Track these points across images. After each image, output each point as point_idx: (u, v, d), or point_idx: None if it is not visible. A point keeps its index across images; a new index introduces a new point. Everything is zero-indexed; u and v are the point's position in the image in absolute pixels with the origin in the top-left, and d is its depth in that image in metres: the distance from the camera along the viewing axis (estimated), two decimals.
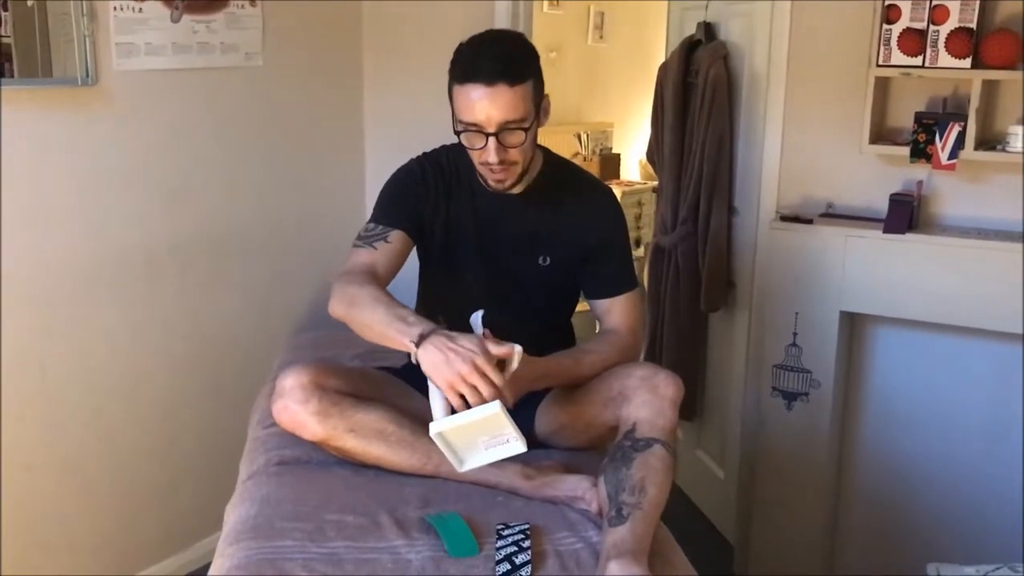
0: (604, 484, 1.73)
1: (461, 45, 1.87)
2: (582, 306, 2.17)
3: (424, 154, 2.08)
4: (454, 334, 1.67)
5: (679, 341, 3.16)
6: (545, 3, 5.61)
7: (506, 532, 1.70)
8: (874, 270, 2.54)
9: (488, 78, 1.79)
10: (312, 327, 3.09)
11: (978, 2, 2.33)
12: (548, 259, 2.03)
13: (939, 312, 2.51)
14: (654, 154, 3.34)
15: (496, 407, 1.61)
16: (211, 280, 2.88)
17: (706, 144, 2.91)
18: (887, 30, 2.42)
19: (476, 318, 1.78)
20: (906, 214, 2.51)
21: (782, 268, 2.68)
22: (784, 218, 2.69)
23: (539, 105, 1.90)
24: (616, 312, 2.04)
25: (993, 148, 2.42)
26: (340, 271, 1.91)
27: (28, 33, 2.33)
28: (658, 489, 1.70)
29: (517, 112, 1.82)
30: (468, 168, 2.01)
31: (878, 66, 2.46)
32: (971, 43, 2.34)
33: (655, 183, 3.61)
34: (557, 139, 5.81)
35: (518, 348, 1.70)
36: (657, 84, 3.23)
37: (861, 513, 2.86)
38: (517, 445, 1.67)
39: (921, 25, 2.39)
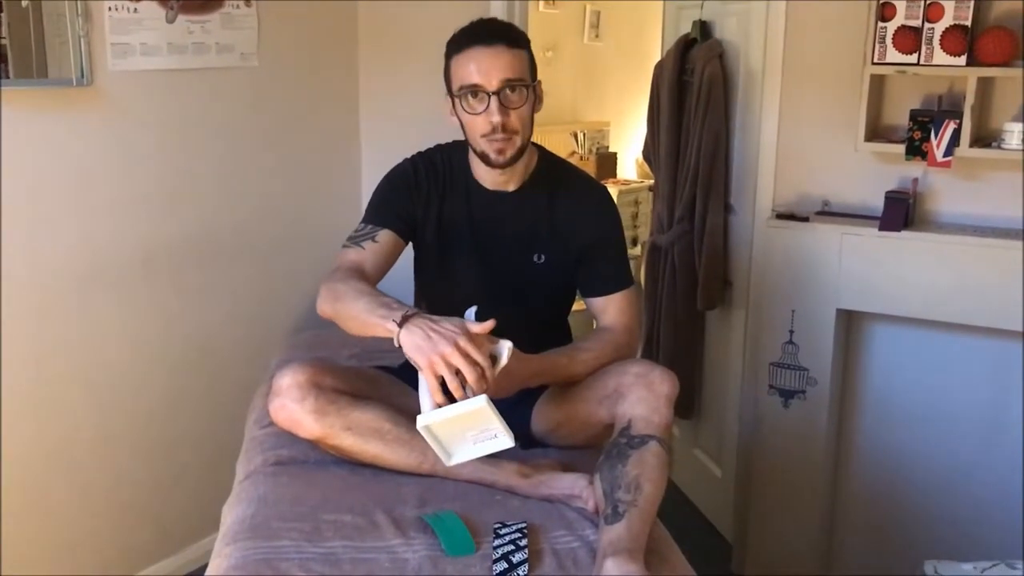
0: (600, 482, 1.73)
1: (454, 32, 1.93)
2: (579, 304, 2.17)
3: (418, 153, 2.08)
4: (437, 317, 1.66)
5: (676, 340, 3.16)
6: (541, 2, 5.61)
7: (503, 531, 1.70)
8: (870, 268, 2.55)
9: (487, 39, 1.87)
10: (309, 327, 3.08)
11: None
12: (543, 257, 2.03)
13: (935, 309, 2.51)
14: (650, 153, 3.34)
15: (482, 401, 1.61)
16: (207, 280, 2.87)
17: (702, 142, 2.91)
18: (882, 28, 2.43)
19: (470, 314, 1.78)
20: (902, 212, 2.51)
21: (778, 266, 2.68)
22: (780, 216, 2.69)
23: (535, 77, 1.94)
24: (612, 310, 2.04)
25: (988, 145, 2.42)
26: (328, 271, 1.92)
27: (23, 34, 2.33)
28: (654, 486, 1.70)
29: (516, 71, 1.87)
30: (462, 166, 2.02)
31: (873, 64, 2.46)
32: (966, 40, 2.34)
33: (651, 182, 3.61)
34: (553, 138, 5.81)
35: (508, 343, 1.70)
36: (653, 83, 3.23)
37: (859, 510, 2.86)
38: (505, 440, 1.66)
39: (916, 23, 2.39)
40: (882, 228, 2.52)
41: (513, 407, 2.02)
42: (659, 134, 3.17)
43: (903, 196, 2.54)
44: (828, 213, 2.69)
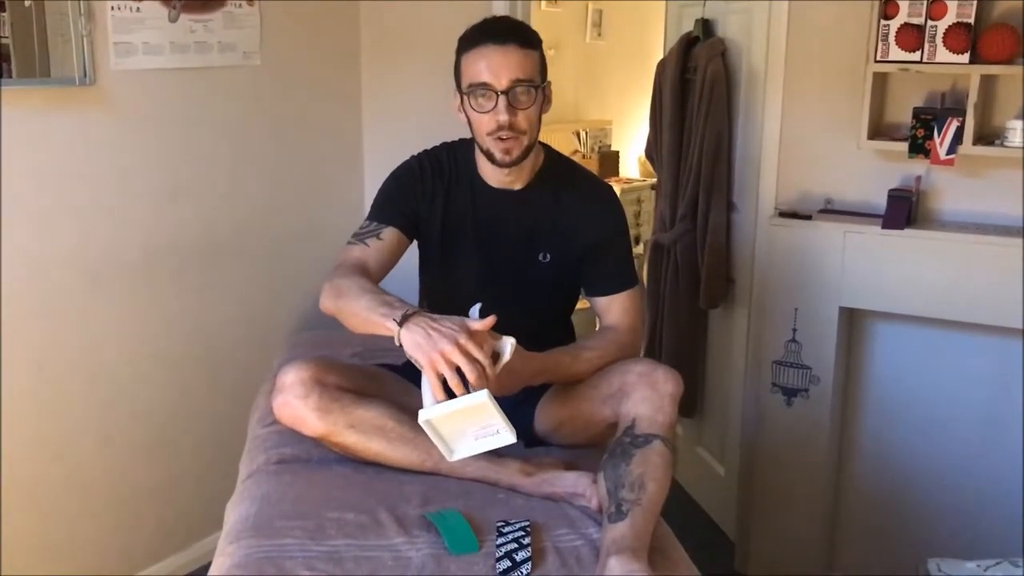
0: (604, 480, 1.73)
1: (466, 29, 1.93)
2: (582, 303, 2.17)
3: (424, 151, 2.08)
4: (438, 316, 1.66)
5: (679, 338, 3.16)
6: (543, 1, 5.61)
7: (506, 529, 1.70)
8: (873, 266, 2.55)
9: (499, 38, 1.86)
10: (311, 326, 3.08)
11: None
12: (548, 256, 2.03)
13: (938, 307, 2.51)
14: (653, 151, 3.34)
15: (484, 396, 1.61)
16: (210, 279, 2.88)
17: (704, 141, 2.91)
18: (885, 26, 2.42)
19: (474, 311, 1.79)
20: (904, 209, 2.51)
21: (781, 264, 2.68)
22: (783, 214, 2.69)
23: (544, 78, 1.94)
24: (616, 309, 2.04)
25: (991, 143, 2.42)
26: (332, 267, 1.92)
27: (26, 33, 2.33)
28: (657, 485, 1.70)
29: (526, 71, 1.87)
30: (468, 164, 2.01)
31: (876, 62, 2.46)
32: (969, 38, 2.34)
33: (654, 180, 3.61)
34: (556, 137, 5.81)
35: (511, 340, 1.71)
36: (655, 81, 3.23)
37: (861, 509, 2.86)
38: (507, 436, 1.66)
39: (919, 20, 2.38)
40: (885, 226, 2.51)
41: (516, 406, 2.02)
42: (661, 132, 3.17)
43: (906, 194, 2.54)
44: (831, 211, 2.68)
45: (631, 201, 5.98)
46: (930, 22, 2.37)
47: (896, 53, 2.43)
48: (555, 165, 2.07)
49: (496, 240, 2.04)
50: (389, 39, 3.26)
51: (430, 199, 2.02)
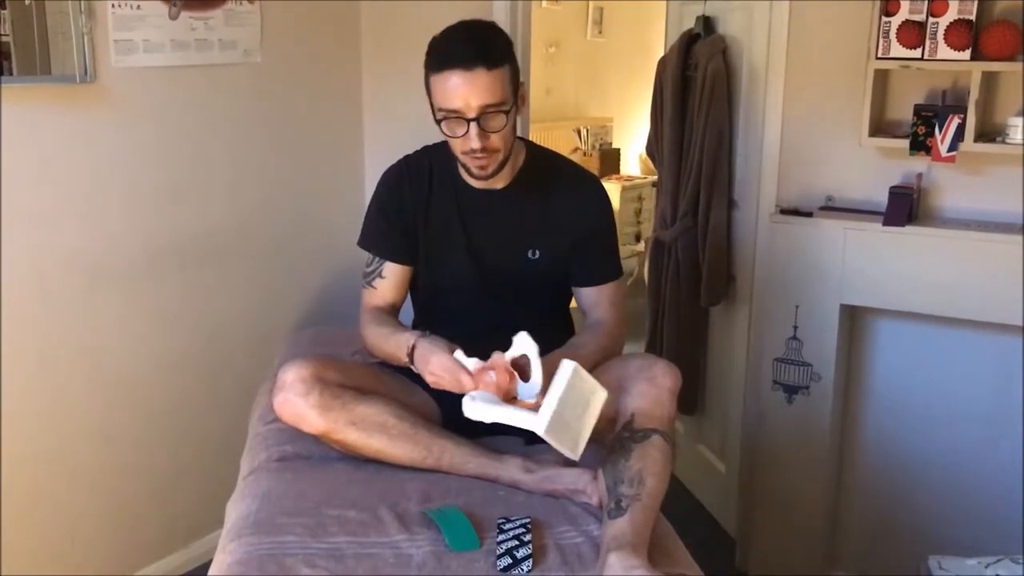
0: (603, 476, 1.74)
1: (434, 37, 1.89)
2: None
3: (404, 158, 2.08)
4: (428, 351, 1.81)
5: (679, 335, 3.16)
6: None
7: (507, 526, 1.70)
8: (874, 263, 2.54)
9: (465, 63, 1.80)
10: (313, 323, 3.09)
11: None
12: (538, 252, 2.03)
13: (939, 305, 2.51)
14: (654, 148, 3.33)
15: (570, 367, 1.65)
16: (211, 276, 2.88)
17: (705, 138, 2.91)
18: (886, 22, 2.42)
19: (459, 355, 1.77)
20: (906, 207, 2.51)
21: (782, 262, 2.68)
22: (784, 211, 2.69)
23: (516, 91, 1.90)
24: (605, 302, 2.05)
25: (993, 140, 2.42)
26: (360, 318, 2.09)
27: (26, 31, 2.33)
28: (657, 480, 1.70)
29: (496, 96, 1.82)
30: (450, 167, 2.01)
31: (877, 59, 2.46)
32: (970, 35, 2.33)
33: (655, 177, 3.61)
34: (557, 134, 5.82)
35: (520, 335, 1.73)
36: (656, 78, 3.23)
37: (862, 506, 2.86)
38: (600, 394, 1.69)
39: (920, 17, 2.38)
40: (886, 223, 2.51)
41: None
42: (662, 130, 3.17)
43: (907, 191, 2.54)
44: (832, 208, 2.68)
45: (632, 198, 5.99)
46: (931, 19, 2.37)
47: (897, 50, 2.42)
48: (538, 160, 2.06)
49: (484, 241, 2.03)
50: (390, 37, 3.26)
51: (413, 207, 2.03)
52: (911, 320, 2.66)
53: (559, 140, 5.81)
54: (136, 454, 2.75)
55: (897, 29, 2.41)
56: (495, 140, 1.87)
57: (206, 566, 1.81)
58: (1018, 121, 2.35)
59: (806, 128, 2.71)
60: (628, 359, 1.89)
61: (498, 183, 1.99)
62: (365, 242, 2.09)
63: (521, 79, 1.94)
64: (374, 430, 1.85)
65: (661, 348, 3.23)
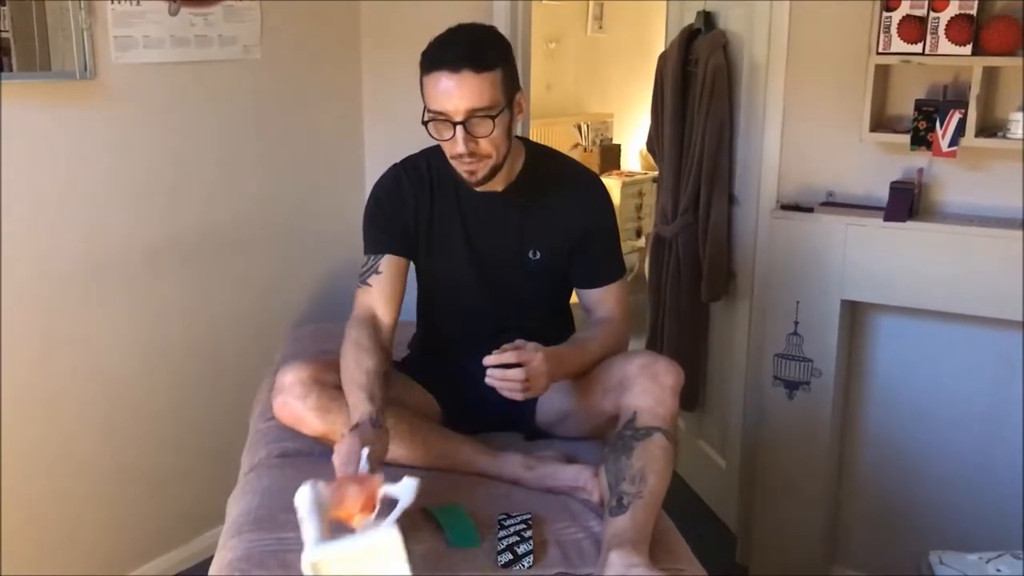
0: (605, 474, 1.74)
1: (431, 40, 1.86)
2: (573, 297, 2.17)
3: (401, 162, 2.05)
4: (347, 442, 1.61)
5: (680, 331, 3.16)
6: None
7: (508, 522, 1.70)
8: (875, 258, 2.54)
9: (453, 65, 1.77)
10: (312, 319, 3.09)
11: None
12: (539, 253, 2.02)
13: (940, 300, 2.51)
14: (654, 144, 3.33)
15: (393, 534, 1.39)
16: (211, 273, 2.88)
17: (706, 134, 2.90)
18: (887, 17, 2.42)
19: (364, 452, 1.59)
20: (906, 202, 2.51)
21: (783, 257, 2.68)
22: (784, 207, 2.69)
23: (511, 97, 1.86)
24: (610, 301, 2.04)
25: (994, 135, 2.41)
26: (348, 327, 1.92)
27: (26, 27, 2.33)
28: (659, 478, 1.70)
29: (483, 99, 1.79)
30: (449, 170, 1.98)
31: (878, 54, 2.45)
32: (971, 30, 2.33)
33: (655, 173, 3.61)
34: (557, 130, 5.81)
35: (413, 482, 1.51)
36: (657, 74, 3.23)
37: (863, 501, 2.86)
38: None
39: (921, 12, 2.38)
40: (887, 219, 2.51)
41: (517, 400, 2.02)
42: (663, 125, 3.17)
43: (908, 186, 2.54)
44: (833, 204, 2.68)
45: (632, 194, 5.98)
46: (932, 14, 2.36)
47: (898, 45, 2.42)
48: (537, 160, 2.03)
49: (486, 243, 2.02)
50: (390, 34, 3.26)
51: (414, 210, 2.00)
52: (912, 316, 2.65)
53: (559, 136, 5.81)
54: (137, 451, 2.75)
55: (898, 24, 2.40)
56: (483, 145, 1.83)
57: (207, 563, 1.81)
58: (1019, 116, 2.35)
59: (807, 123, 2.71)
60: (630, 357, 1.88)
61: (498, 185, 1.97)
62: (365, 246, 2.03)
63: (520, 86, 1.90)
64: None
65: (662, 344, 3.23)
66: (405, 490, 1.48)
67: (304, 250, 3.17)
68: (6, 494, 2.43)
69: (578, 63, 6.08)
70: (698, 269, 3.03)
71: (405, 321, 2.06)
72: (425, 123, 1.85)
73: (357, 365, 1.79)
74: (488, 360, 1.73)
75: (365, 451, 1.58)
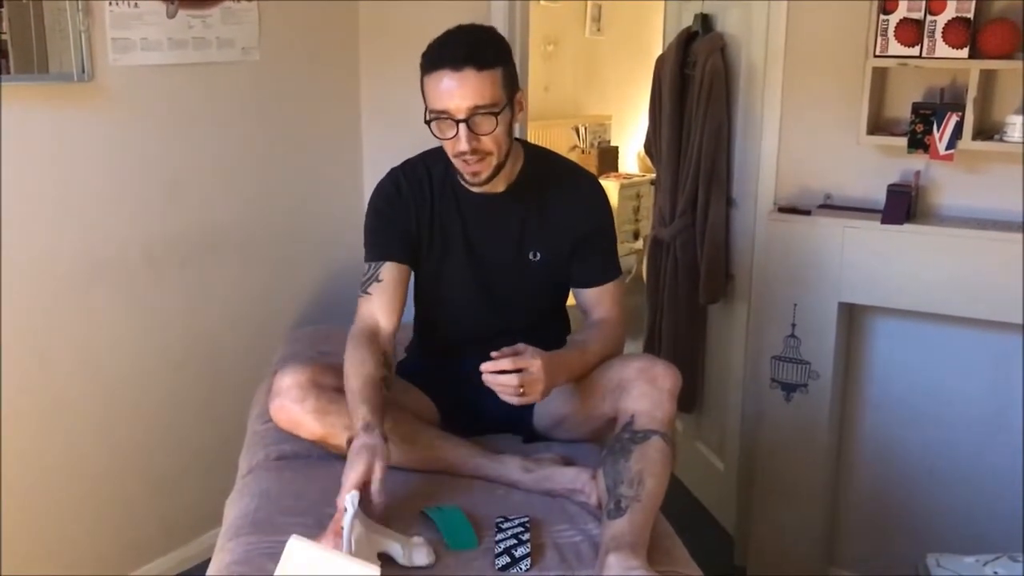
0: (603, 477, 1.74)
1: (430, 42, 1.86)
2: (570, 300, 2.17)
3: (399, 166, 2.05)
4: (354, 454, 1.63)
5: (678, 333, 3.16)
6: None
7: (505, 525, 1.70)
8: (872, 261, 2.54)
9: (454, 63, 1.79)
10: (311, 321, 3.09)
11: None
12: (538, 254, 2.02)
13: (938, 302, 2.51)
14: (652, 146, 3.33)
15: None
16: (209, 274, 2.88)
17: (704, 136, 2.91)
18: (884, 20, 2.42)
19: (353, 497, 1.58)
20: (904, 205, 2.51)
21: (780, 260, 2.68)
22: (782, 209, 2.69)
23: (512, 96, 1.87)
24: (607, 302, 2.04)
25: (991, 138, 2.41)
26: (349, 337, 1.91)
27: (24, 29, 2.33)
28: (656, 481, 1.70)
29: (485, 97, 1.80)
30: (448, 173, 1.98)
31: (875, 57, 2.45)
32: (969, 33, 2.33)
33: (653, 175, 3.61)
34: (555, 132, 5.82)
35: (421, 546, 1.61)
36: (655, 76, 3.23)
37: (861, 503, 2.86)
38: None
39: (918, 15, 2.38)
40: (884, 221, 2.51)
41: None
42: (661, 128, 3.17)
43: (905, 189, 2.54)
44: (830, 206, 2.68)
45: (630, 196, 5.99)
46: (929, 17, 2.37)
47: (895, 48, 2.42)
48: (536, 161, 2.04)
49: (485, 244, 2.02)
50: (388, 34, 3.26)
51: (415, 214, 2.00)
52: (909, 318, 2.66)
53: (557, 138, 5.81)
54: (135, 453, 2.75)
55: (895, 27, 2.41)
56: (486, 143, 1.83)
57: (205, 564, 1.81)
58: (1016, 119, 2.35)
59: (804, 126, 2.71)
60: (629, 360, 1.88)
61: (497, 187, 1.97)
62: (366, 253, 2.02)
63: (520, 86, 1.91)
64: None
65: (659, 346, 3.23)
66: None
67: (302, 251, 3.17)
68: (6, 494, 2.43)
69: (576, 65, 6.08)
70: (696, 271, 3.03)
71: (403, 322, 2.06)
72: (427, 123, 1.85)
73: (357, 375, 1.79)
74: (485, 367, 1.73)
75: (354, 495, 1.56)
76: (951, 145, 2.38)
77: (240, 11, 2.82)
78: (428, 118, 1.85)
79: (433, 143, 2.00)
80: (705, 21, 3.07)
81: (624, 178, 6.09)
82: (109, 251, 2.59)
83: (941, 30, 2.35)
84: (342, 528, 1.50)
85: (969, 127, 2.37)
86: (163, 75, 2.65)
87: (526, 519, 1.72)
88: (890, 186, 2.56)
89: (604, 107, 6.37)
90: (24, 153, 2.36)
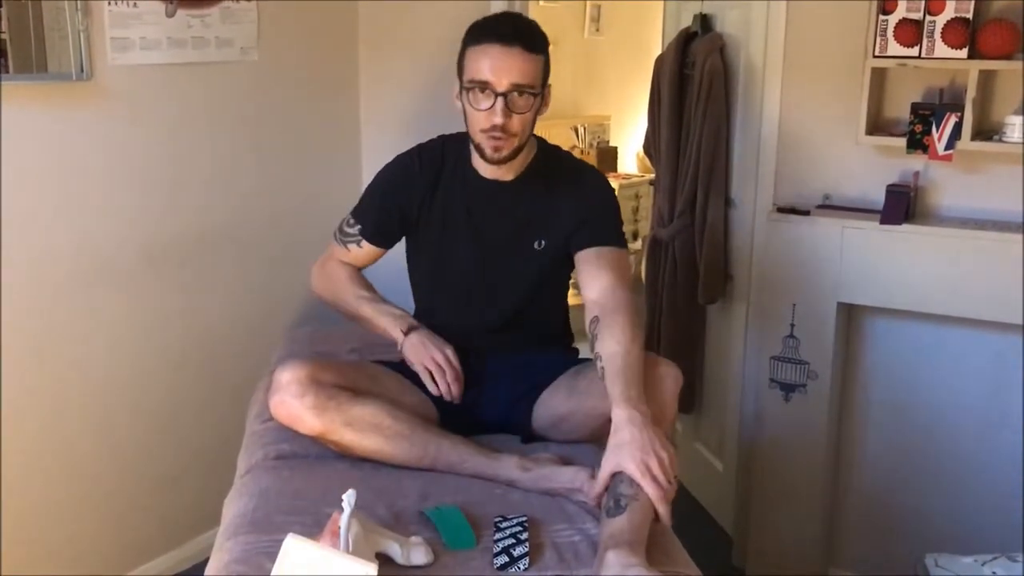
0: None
1: (477, 20, 1.93)
2: (576, 300, 2.16)
3: (421, 144, 2.10)
4: (428, 336, 2.03)
5: (677, 334, 3.16)
6: None
7: (504, 524, 1.70)
8: (871, 261, 2.54)
9: (505, 39, 1.86)
10: (309, 321, 3.08)
11: None
12: (543, 243, 2.05)
13: (936, 303, 2.51)
14: (651, 147, 3.33)
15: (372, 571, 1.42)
16: (208, 274, 2.87)
17: (703, 136, 2.91)
18: (883, 21, 2.42)
19: (350, 496, 1.55)
20: (903, 205, 2.51)
21: (779, 260, 2.68)
22: (781, 210, 2.69)
23: (544, 86, 1.94)
24: (606, 268, 1.95)
25: (990, 138, 2.42)
26: (321, 257, 2.22)
27: (23, 28, 2.32)
28: None
29: (527, 77, 1.87)
30: (462, 156, 2.03)
31: (874, 57, 2.46)
32: (967, 33, 2.33)
33: (652, 176, 3.60)
34: (554, 132, 5.80)
35: (421, 547, 1.59)
36: (654, 77, 3.23)
37: (859, 504, 2.86)
38: None
39: (917, 15, 2.38)
40: (883, 222, 2.51)
41: (514, 403, 2.02)
42: (660, 128, 3.17)
43: (904, 189, 2.54)
44: (829, 207, 2.68)
45: (629, 196, 5.97)
46: (928, 17, 2.37)
47: (894, 48, 2.42)
48: (547, 156, 2.09)
49: (490, 230, 2.05)
50: (387, 34, 3.26)
51: (422, 194, 2.05)
52: (908, 318, 2.66)
53: (557, 138, 5.77)
54: (134, 452, 2.75)
55: (894, 27, 2.41)
56: (516, 122, 1.88)
57: (204, 564, 1.81)
58: (1015, 119, 2.35)
59: (803, 126, 2.71)
60: None
61: (508, 174, 2.00)
62: (356, 212, 2.14)
63: (549, 82, 1.97)
64: (370, 431, 1.85)
65: (659, 346, 3.23)
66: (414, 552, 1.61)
67: (301, 251, 3.14)
68: (6, 494, 2.43)
69: (575, 65, 6.07)
70: (695, 271, 3.03)
71: None
72: (463, 91, 1.91)
73: (352, 279, 2.14)
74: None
75: (351, 495, 1.51)
76: (950, 145, 2.38)
77: (239, 11, 2.82)
78: (464, 86, 1.90)
79: (429, 140, 2.03)
80: (704, 21, 3.07)
81: (623, 178, 6.08)
82: (107, 250, 2.59)
83: (940, 30, 2.35)
84: (339, 527, 1.50)
85: (968, 127, 2.37)
86: (162, 75, 2.65)
87: (524, 518, 1.72)
88: (889, 186, 2.56)
89: (603, 107, 6.36)
90: (23, 153, 2.36)
